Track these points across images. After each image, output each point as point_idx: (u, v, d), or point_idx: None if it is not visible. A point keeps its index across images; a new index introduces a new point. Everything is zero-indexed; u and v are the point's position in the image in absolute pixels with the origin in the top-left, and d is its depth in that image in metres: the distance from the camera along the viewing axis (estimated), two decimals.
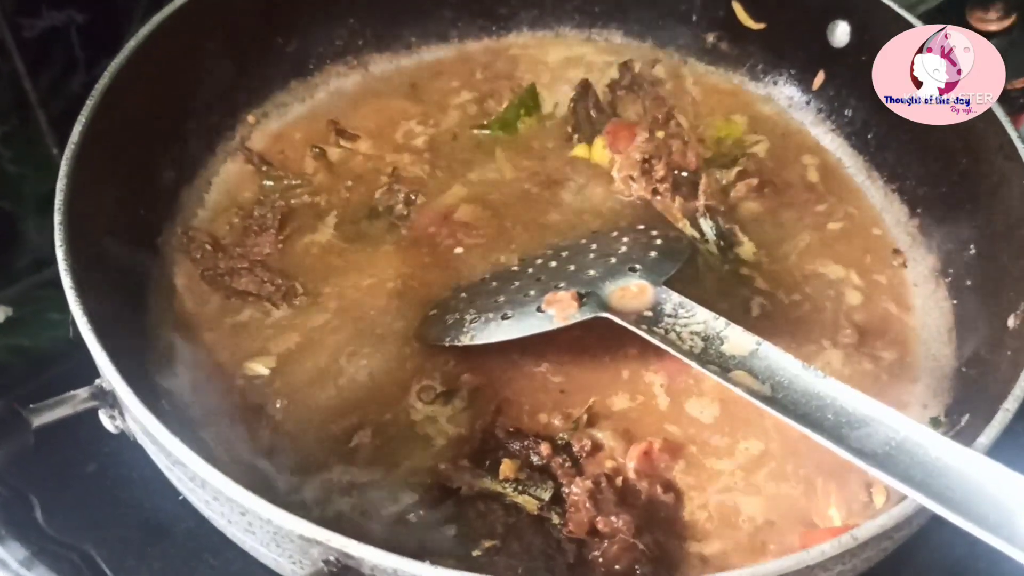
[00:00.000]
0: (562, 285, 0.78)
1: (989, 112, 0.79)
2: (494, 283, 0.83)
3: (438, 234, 0.89)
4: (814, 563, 0.55)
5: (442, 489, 0.72)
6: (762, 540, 0.72)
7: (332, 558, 0.55)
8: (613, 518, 0.69)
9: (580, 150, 0.97)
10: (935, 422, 0.76)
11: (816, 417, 0.64)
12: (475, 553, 0.68)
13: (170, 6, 0.85)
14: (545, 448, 0.73)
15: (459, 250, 0.88)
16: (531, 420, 0.76)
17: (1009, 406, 0.63)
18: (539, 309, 0.77)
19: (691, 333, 0.72)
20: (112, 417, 0.64)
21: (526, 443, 0.74)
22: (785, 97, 1.03)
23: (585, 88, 1.00)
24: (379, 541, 0.54)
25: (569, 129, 0.99)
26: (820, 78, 1.00)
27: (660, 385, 0.79)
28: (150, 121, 0.85)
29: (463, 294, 0.83)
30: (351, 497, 0.71)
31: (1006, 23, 1.16)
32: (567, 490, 0.71)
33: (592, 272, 0.79)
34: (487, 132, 0.99)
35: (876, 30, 0.91)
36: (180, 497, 0.69)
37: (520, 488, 0.71)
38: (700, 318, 0.73)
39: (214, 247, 0.85)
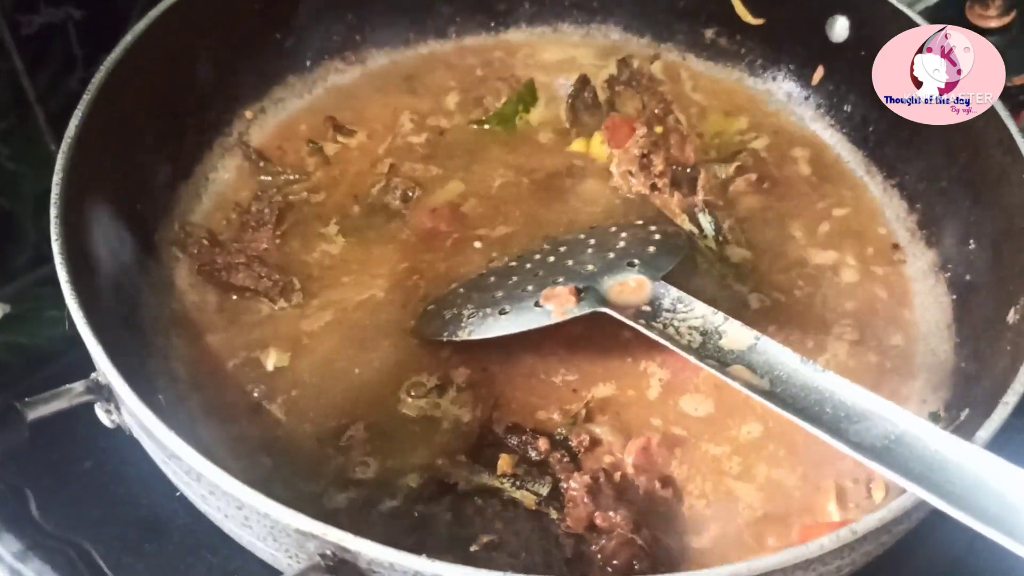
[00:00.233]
0: (560, 280, 0.78)
1: (989, 107, 0.79)
2: (492, 278, 0.83)
3: (436, 229, 0.89)
4: (813, 557, 0.55)
5: (439, 484, 0.71)
6: (761, 535, 0.71)
7: (328, 552, 0.54)
8: (611, 513, 0.68)
9: (578, 145, 0.97)
10: (934, 417, 0.76)
11: (815, 411, 0.64)
12: (472, 548, 0.67)
13: (167, 1, 0.85)
14: (543, 443, 0.73)
15: (457, 245, 0.88)
16: (529, 415, 0.76)
17: (1009, 400, 0.63)
18: (537, 304, 0.76)
19: (689, 328, 0.72)
20: (108, 412, 0.64)
21: (524, 438, 0.74)
22: (784, 92, 1.02)
23: (583, 83, 1.00)
24: (376, 536, 0.54)
25: (567, 124, 0.99)
26: (819, 73, 0.99)
27: (658, 380, 0.79)
28: (147, 116, 0.84)
29: (461, 289, 0.83)
30: (348, 492, 0.71)
31: (1006, 20, 1.16)
32: (565, 485, 0.71)
33: (590, 267, 0.79)
34: (485, 127, 0.99)
35: (875, 25, 0.91)
36: (177, 493, 0.69)
37: (518, 483, 0.71)
38: (698, 312, 0.73)
39: (211, 242, 0.85)
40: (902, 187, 0.93)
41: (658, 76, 1.04)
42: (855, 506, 0.73)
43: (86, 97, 0.76)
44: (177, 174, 0.89)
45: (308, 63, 1.01)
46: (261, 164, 0.93)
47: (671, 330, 0.72)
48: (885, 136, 0.94)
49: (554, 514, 0.70)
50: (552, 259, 0.82)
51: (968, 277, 0.83)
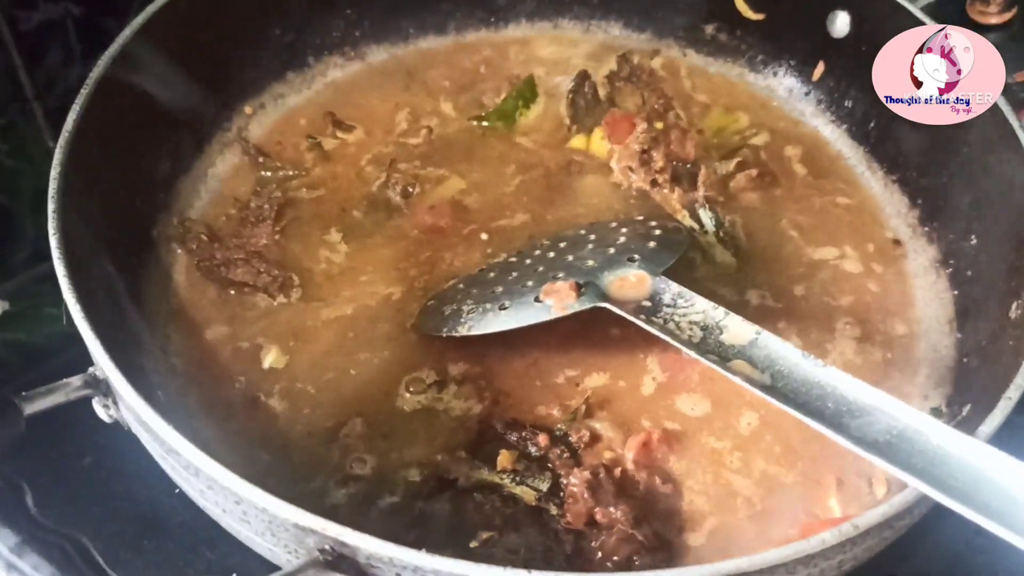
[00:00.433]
0: (560, 275, 0.78)
1: (992, 103, 0.79)
2: (491, 274, 0.83)
3: (435, 225, 0.89)
4: (815, 552, 0.54)
5: (439, 480, 0.71)
6: (762, 531, 0.71)
7: (327, 547, 0.54)
8: (611, 509, 0.68)
9: (578, 141, 0.96)
10: (936, 412, 0.76)
11: (816, 406, 0.63)
12: (472, 544, 0.67)
13: None
14: (543, 439, 0.73)
15: (456, 241, 0.87)
16: (528, 411, 0.76)
17: (1011, 395, 0.63)
18: (537, 299, 0.76)
19: (690, 323, 0.72)
20: (106, 406, 0.64)
21: (523, 434, 0.73)
22: (785, 88, 1.02)
23: (583, 79, 1.00)
24: (375, 532, 0.54)
25: (567, 120, 0.98)
26: (820, 69, 0.99)
27: (654, 377, 0.78)
28: (145, 111, 0.84)
29: (460, 285, 0.83)
30: (347, 488, 0.71)
31: (1007, 16, 1.15)
32: (565, 481, 0.70)
33: (590, 262, 0.79)
34: (485, 123, 0.98)
35: (876, 21, 0.91)
36: (176, 490, 0.69)
37: (518, 479, 0.71)
38: (699, 307, 0.72)
39: (210, 238, 0.85)
40: (903, 183, 0.93)
41: (658, 72, 1.03)
42: (857, 502, 0.72)
43: (84, 92, 0.76)
44: (176, 170, 0.89)
45: (308, 58, 1.00)
46: (260, 160, 0.93)
47: (672, 325, 0.72)
48: (886, 132, 0.94)
49: (554, 510, 0.69)
50: (552, 255, 0.82)
51: (970, 273, 0.83)
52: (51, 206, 0.68)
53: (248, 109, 0.96)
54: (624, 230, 0.83)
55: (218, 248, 0.84)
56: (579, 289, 0.76)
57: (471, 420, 0.75)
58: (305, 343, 0.80)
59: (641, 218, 0.88)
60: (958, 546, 0.78)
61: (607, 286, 0.76)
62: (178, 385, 0.76)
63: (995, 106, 0.78)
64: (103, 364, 0.60)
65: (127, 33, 0.81)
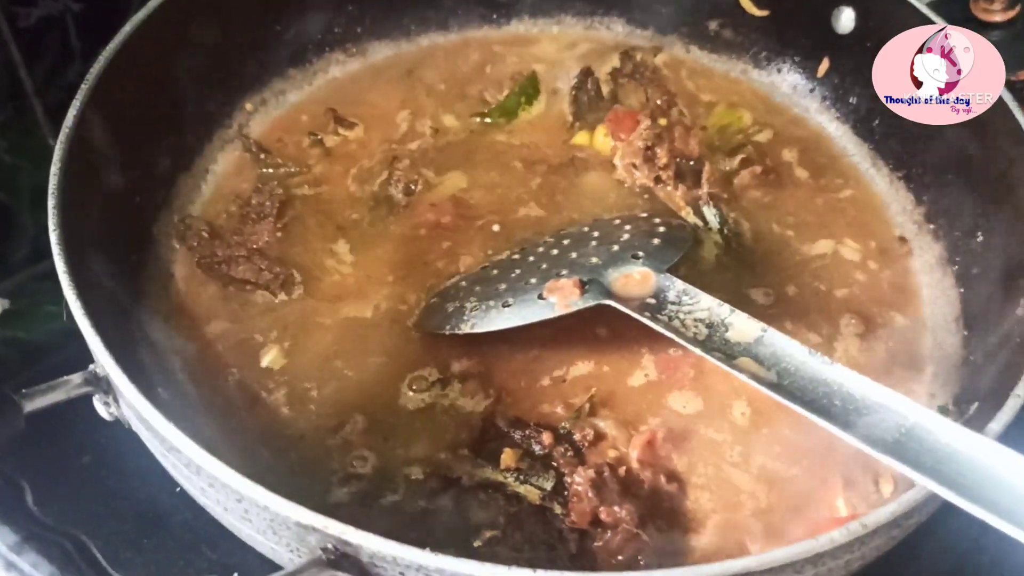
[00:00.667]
0: (564, 273, 0.77)
1: (998, 98, 0.78)
2: (495, 271, 0.82)
3: (438, 222, 0.88)
4: (823, 551, 0.54)
5: (442, 479, 0.71)
6: (768, 530, 0.70)
7: (330, 546, 0.53)
8: (616, 508, 0.68)
9: (581, 138, 0.96)
10: (943, 411, 0.75)
11: (823, 404, 0.63)
12: (476, 543, 0.67)
13: None
14: (547, 437, 0.72)
15: (459, 238, 0.87)
16: (532, 409, 0.75)
17: (1020, 392, 0.62)
18: (540, 297, 0.76)
19: (695, 320, 0.71)
20: (106, 404, 0.63)
21: (527, 432, 0.73)
22: (789, 85, 1.02)
23: (586, 76, 0.99)
24: (378, 531, 0.53)
25: (570, 117, 0.98)
26: (824, 65, 0.99)
27: (646, 375, 0.78)
28: (146, 108, 0.84)
29: (463, 282, 0.82)
30: (349, 486, 0.70)
31: (1010, 14, 1.15)
32: (569, 480, 0.70)
33: (594, 259, 0.78)
34: (488, 120, 0.98)
35: (881, 16, 0.90)
36: (177, 488, 0.68)
37: (521, 478, 0.70)
38: (704, 305, 0.72)
39: (211, 235, 0.84)
40: (909, 180, 0.92)
41: (661, 69, 1.03)
42: (863, 502, 0.72)
43: (84, 87, 0.76)
44: (176, 166, 0.88)
45: (309, 55, 1.00)
46: (262, 156, 0.92)
47: (676, 323, 0.71)
48: (891, 128, 0.93)
49: (558, 509, 0.69)
50: (555, 252, 0.82)
51: (976, 270, 0.82)
52: (51, 202, 0.68)
53: (249, 106, 0.95)
54: (628, 227, 0.83)
55: (219, 245, 0.84)
56: (583, 286, 0.75)
57: (474, 418, 0.74)
58: (307, 341, 0.79)
59: (645, 215, 0.87)
60: (964, 545, 0.78)
61: (611, 283, 0.75)
62: (178, 383, 0.76)
63: (1001, 102, 0.78)
64: (103, 361, 0.59)
65: (127, 29, 0.81)
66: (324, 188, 0.91)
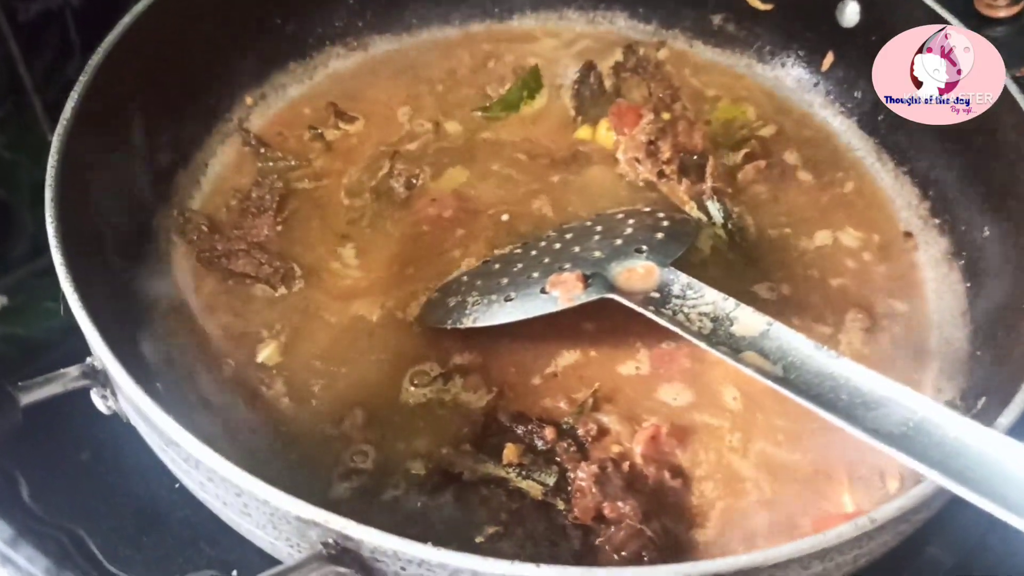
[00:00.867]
0: (567, 266, 0.76)
1: (1004, 91, 0.78)
2: (496, 265, 0.81)
3: (439, 217, 0.87)
4: (831, 546, 0.53)
5: (444, 474, 0.70)
6: (773, 527, 0.69)
7: (331, 540, 0.53)
8: (620, 503, 0.67)
9: (584, 132, 0.95)
10: (950, 405, 0.73)
11: (830, 398, 0.62)
12: (478, 539, 0.66)
13: None
14: (549, 432, 0.71)
15: (460, 232, 0.86)
16: (535, 404, 0.74)
17: None
18: (543, 290, 0.75)
19: (700, 314, 0.71)
20: (104, 397, 0.62)
21: (530, 427, 0.72)
22: (793, 79, 1.01)
23: (588, 70, 0.99)
24: (379, 526, 0.52)
25: (572, 111, 0.97)
26: (829, 59, 0.98)
27: (638, 367, 0.77)
28: (144, 101, 0.83)
29: (465, 277, 0.81)
30: (350, 482, 0.70)
31: (1014, 10, 1.14)
32: (572, 475, 0.69)
33: (597, 253, 0.78)
34: (489, 114, 0.97)
35: (886, 10, 0.90)
36: (176, 484, 0.68)
37: (524, 473, 0.70)
38: (709, 299, 0.71)
39: (211, 229, 0.84)
40: (914, 174, 0.91)
41: (665, 63, 1.02)
42: (870, 498, 0.71)
43: (82, 80, 0.75)
44: (176, 160, 0.88)
45: (310, 49, 0.99)
46: (262, 150, 0.91)
47: (680, 317, 0.71)
48: (897, 123, 0.92)
49: (561, 505, 0.68)
50: (558, 246, 0.81)
51: (983, 264, 0.81)
52: (48, 194, 0.67)
53: (249, 100, 0.95)
54: (631, 221, 0.82)
55: (219, 239, 0.83)
56: (586, 280, 0.74)
57: (476, 413, 0.73)
58: (307, 335, 0.78)
59: (648, 209, 0.86)
60: (970, 543, 0.77)
61: (614, 277, 0.75)
62: (178, 377, 0.75)
63: (1008, 95, 0.77)
64: (101, 353, 0.58)
65: (126, 20, 0.80)
66: (325, 182, 0.90)
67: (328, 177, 0.90)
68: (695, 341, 0.68)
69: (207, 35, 0.89)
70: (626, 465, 0.70)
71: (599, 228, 0.82)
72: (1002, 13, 1.14)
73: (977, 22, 1.09)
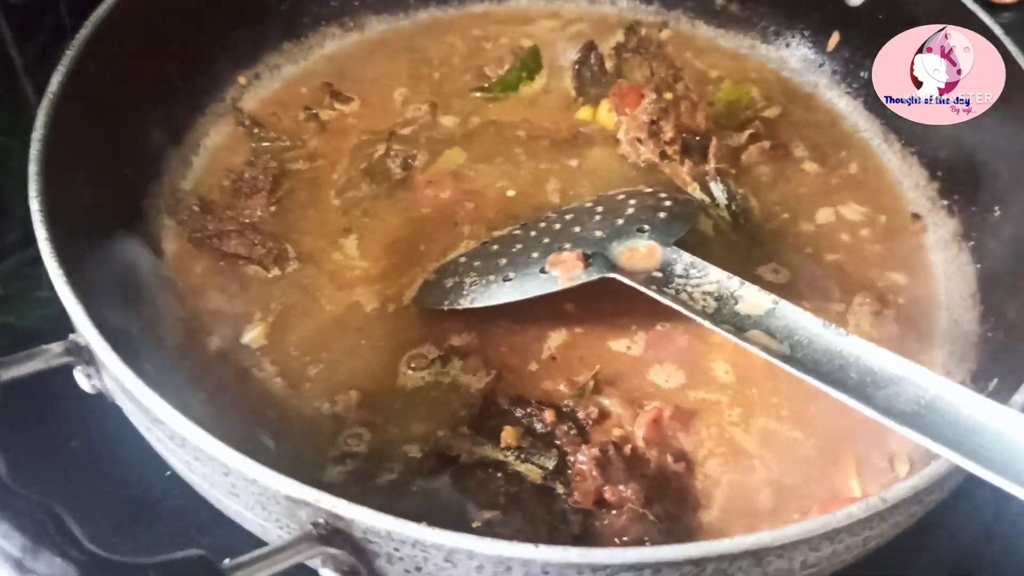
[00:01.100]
0: (567, 246, 0.75)
1: (1015, 66, 0.76)
2: (495, 246, 0.80)
3: (436, 198, 0.86)
4: (840, 526, 0.51)
5: (440, 457, 0.68)
6: (777, 512, 0.67)
7: (321, 520, 0.51)
8: (621, 487, 0.65)
9: (585, 113, 0.93)
10: None
11: (839, 376, 0.60)
12: (475, 524, 0.64)
13: None
14: (549, 415, 0.70)
15: (458, 214, 0.84)
16: (534, 387, 0.73)
17: None
18: (543, 270, 0.73)
19: (703, 293, 0.69)
20: (88, 376, 0.60)
21: (529, 410, 0.70)
22: (798, 59, 0.99)
23: (589, 50, 0.97)
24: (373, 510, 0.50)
25: (573, 92, 0.95)
26: (835, 39, 0.96)
27: (649, 350, 0.75)
28: (134, 78, 0.81)
29: (463, 258, 0.80)
30: (343, 465, 0.68)
31: None
32: (572, 459, 0.67)
33: (598, 233, 0.76)
34: (488, 95, 0.95)
35: None
36: (167, 473, 0.66)
37: (523, 456, 0.68)
38: (713, 278, 0.69)
39: (202, 209, 0.82)
40: (922, 155, 0.90)
41: (667, 44, 1.00)
42: (878, 482, 0.69)
43: (69, 53, 0.73)
44: (167, 139, 0.86)
45: (304, 28, 0.98)
46: (255, 130, 0.90)
47: (684, 296, 0.69)
48: None
49: (561, 489, 0.66)
50: (558, 226, 0.79)
51: (993, 245, 0.80)
52: (32, 168, 0.65)
53: (242, 79, 0.93)
54: (633, 201, 0.80)
55: (210, 219, 0.81)
56: (586, 259, 0.73)
57: (474, 396, 0.71)
58: (301, 317, 0.77)
59: (650, 190, 0.84)
60: (975, 531, 0.76)
61: (616, 257, 0.73)
62: (167, 358, 0.73)
63: (1019, 72, 0.75)
64: (84, 329, 0.57)
65: None
66: (320, 163, 0.88)
67: (323, 158, 0.89)
68: (699, 320, 0.66)
69: (199, 12, 0.87)
70: (628, 448, 0.68)
71: (600, 209, 0.80)
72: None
73: (986, 7, 1.07)
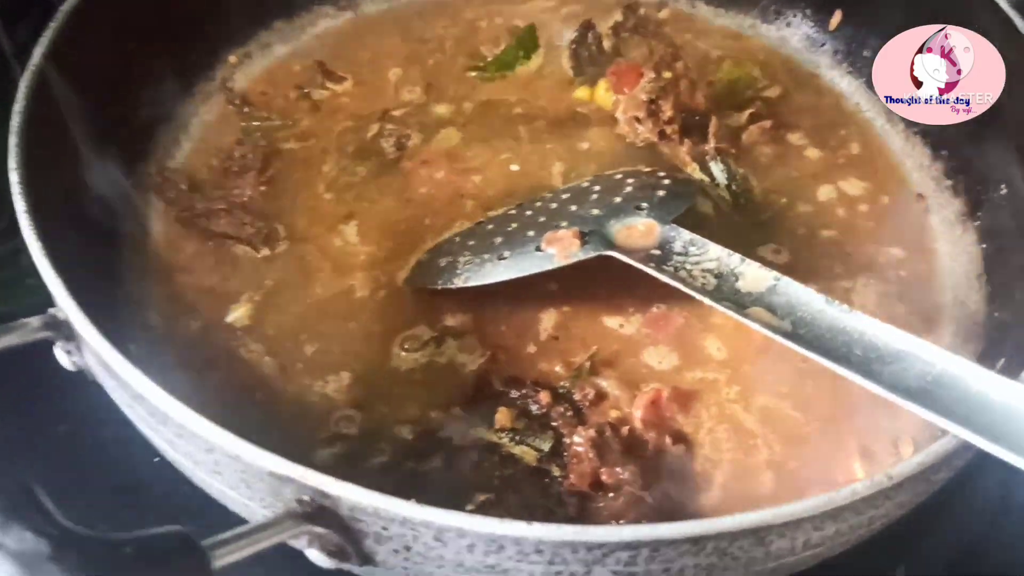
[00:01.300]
0: (563, 224, 0.73)
1: (1021, 40, 0.74)
2: (490, 226, 0.78)
3: (430, 178, 0.84)
4: (845, 504, 0.49)
5: (432, 439, 0.66)
6: (778, 495, 0.66)
7: (307, 498, 0.49)
8: (618, 469, 0.63)
9: (582, 93, 0.92)
10: None
11: (843, 353, 0.59)
12: (468, 508, 0.62)
13: None
14: (544, 396, 0.68)
15: (452, 194, 0.82)
16: (530, 368, 0.71)
17: None
18: (538, 248, 0.72)
19: (703, 271, 0.67)
20: (68, 352, 0.58)
21: (524, 391, 0.69)
22: (799, 39, 0.97)
23: (587, 29, 0.95)
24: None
25: (570, 72, 0.93)
26: (837, 18, 0.94)
27: (671, 333, 0.73)
28: (121, 54, 0.79)
29: (457, 237, 0.78)
30: (333, 448, 0.66)
31: None
32: (568, 441, 0.65)
33: (596, 211, 0.74)
34: (484, 74, 0.93)
35: None
36: (156, 459, 0.64)
37: (517, 439, 0.66)
38: (713, 255, 0.68)
39: (191, 188, 0.80)
40: (925, 135, 0.88)
41: (666, 23, 0.98)
42: (882, 466, 0.67)
43: (53, 25, 0.71)
44: (155, 117, 0.84)
45: (297, 7, 0.96)
46: (245, 109, 0.88)
47: (683, 273, 0.67)
48: None
49: (556, 471, 0.65)
50: (554, 206, 0.77)
51: (999, 224, 0.78)
52: (13, 141, 0.64)
53: (233, 58, 0.91)
54: (631, 180, 0.79)
55: (199, 198, 0.79)
56: (583, 237, 0.71)
57: (467, 377, 0.70)
58: (289, 297, 0.75)
59: (648, 169, 0.83)
60: (984, 519, 0.75)
61: (613, 235, 0.71)
62: (153, 339, 0.71)
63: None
64: (61, 299, 0.55)
65: None
66: (311, 142, 0.86)
67: (314, 137, 0.87)
68: (699, 297, 0.65)
69: None
70: (625, 430, 0.67)
71: (597, 188, 0.79)
72: None
73: None
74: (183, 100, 0.87)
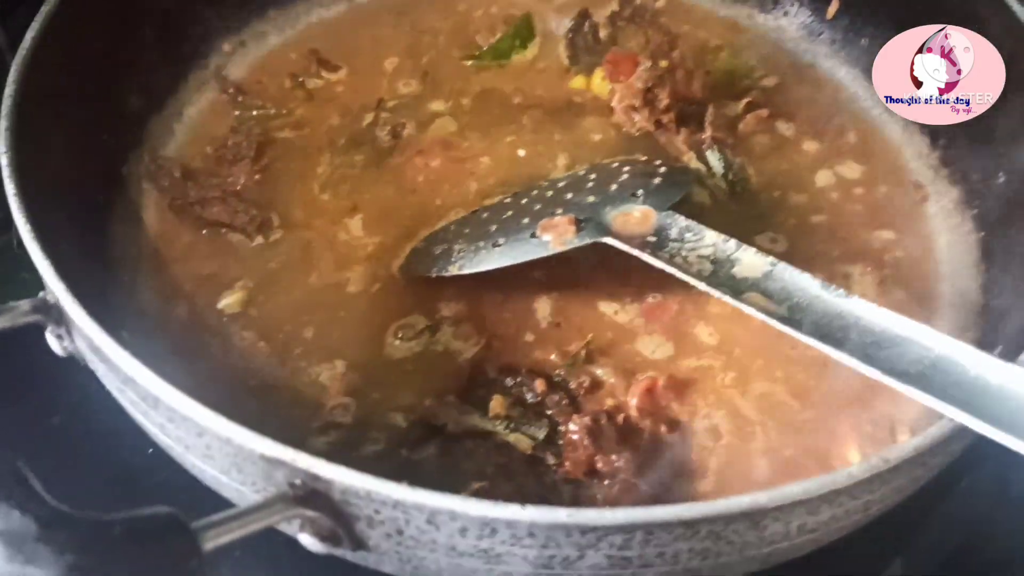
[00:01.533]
0: (559, 212, 0.72)
1: (1020, 27, 0.74)
2: (485, 214, 0.78)
3: (426, 167, 0.83)
4: (840, 487, 0.49)
5: (426, 427, 0.66)
6: (778, 483, 0.64)
7: (298, 481, 0.48)
8: (613, 457, 0.63)
9: (578, 82, 0.91)
10: None
11: (839, 337, 0.58)
12: (462, 495, 0.61)
13: None
14: (539, 384, 0.68)
15: (447, 183, 0.82)
16: (524, 356, 0.70)
17: None
18: (533, 235, 0.71)
19: (699, 256, 0.67)
20: (59, 337, 0.58)
21: (519, 379, 0.68)
22: (796, 28, 0.97)
23: (583, 18, 0.95)
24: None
25: (566, 60, 0.93)
26: (835, 6, 0.94)
27: (665, 322, 0.73)
28: (114, 40, 0.79)
29: (452, 226, 0.78)
30: (327, 436, 0.66)
31: None
32: (563, 428, 0.65)
33: (591, 199, 0.74)
34: (480, 63, 0.93)
35: None
36: (150, 450, 0.63)
37: (512, 426, 0.66)
38: (709, 241, 0.68)
39: (184, 176, 0.80)
40: (923, 124, 0.87)
41: (663, 13, 0.97)
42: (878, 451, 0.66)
43: (45, 9, 0.71)
44: (148, 105, 0.84)
45: None
46: (239, 98, 0.87)
47: (679, 259, 0.67)
48: None
49: (551, 459, 0.64)
50: (550, 194, 0.77)
51: (998, 212, 0.78)
52: (3, 125, 0.63)
53: (227, 47, 0.91)
54: (627, 169, 0.79)
55: (192, 186, 0.79)
56: (579, 224, 0.70)
57: (462, 365, 0.69)
58: (284, 286, 0.74)
59: (645, 158, 0.82)
60: (980, 509, 0.75)
61: (609, 222, 0.71)
62: (147, 326, 0.71)
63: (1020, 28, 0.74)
64: (51, 282, 0.54)
65: None
66: (306, 131, 0.86)
67: (309, 126, 0.86)
68: (695, 283, 0.64)
69: None
70: (620, 418, 0.66)
71: (593, 176, 0.78)
72: None
73: None
74: (176, 88, 0.86)
